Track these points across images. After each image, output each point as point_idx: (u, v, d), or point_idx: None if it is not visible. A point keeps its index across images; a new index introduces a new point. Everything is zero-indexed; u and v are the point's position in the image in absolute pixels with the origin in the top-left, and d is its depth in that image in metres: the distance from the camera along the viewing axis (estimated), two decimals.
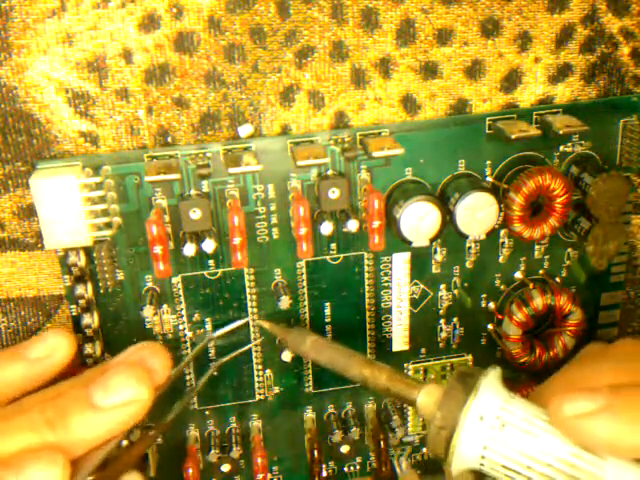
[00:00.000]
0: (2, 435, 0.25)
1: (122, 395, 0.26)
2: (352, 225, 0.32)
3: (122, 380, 0.26)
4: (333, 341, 0.32)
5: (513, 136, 0.32)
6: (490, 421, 0.26)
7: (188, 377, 0.36)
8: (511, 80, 0.34)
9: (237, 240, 0.31)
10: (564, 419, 0.26)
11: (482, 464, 0.26)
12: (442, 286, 0.37)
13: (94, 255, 0.32)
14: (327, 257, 0.35)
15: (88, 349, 0.33)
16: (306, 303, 0.36)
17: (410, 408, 0.39)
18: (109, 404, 0.26)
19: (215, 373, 0.36)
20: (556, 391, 0.28)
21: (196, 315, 0.35)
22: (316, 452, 0.37)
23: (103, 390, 0.26)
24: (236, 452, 0.36)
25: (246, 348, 0.36)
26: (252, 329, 0.36)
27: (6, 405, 0.27)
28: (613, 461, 0.25)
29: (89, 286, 0.33)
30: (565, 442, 0.26)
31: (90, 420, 0.26)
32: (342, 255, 0.35)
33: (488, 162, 0.35)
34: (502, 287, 0.37)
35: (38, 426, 0.25)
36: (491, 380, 0.27)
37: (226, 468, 0.36)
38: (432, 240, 0.33)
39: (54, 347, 0.28)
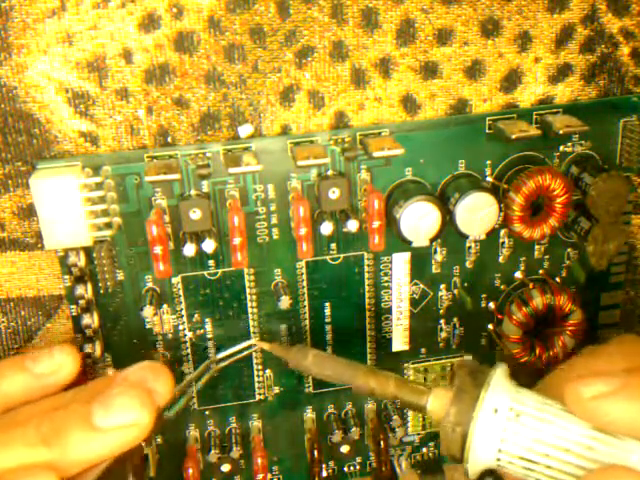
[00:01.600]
0: None
1: (123, 418, 0.25)
2: (352, 225, 0.32)
3: (125, 402, 0.25)
4: (334, 355, 0.31)
5: (513, 136, 0.32)
6: (504, 413, 0.26)
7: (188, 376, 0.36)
8: (511, 80, 0.34)
9: (237, 240, 0.31)
10: (581, 401, 0.26)
11: (499, 459, 0.26)
12: (442, 286, 0.37)
13: (94, 255, 0.32)
14: (327, 257, 0.35)
15: (88, 349, 0.33)
16: (306, 303, 0.36)
17: None
18: (109, 425, 0.25)
19: (215, 374, 0.36)
20: (565, 380, 0.28)
21: (196, 315, 0.35)
22: (316, 452, 0.37)
23: (104, 410, 0.25)
24: (236, 452, 0.36)
25: (245, 345, 0.35)
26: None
27: (2, 414, 0.27)
28: (631, 442, 0.25)
29: (89, 286, 0.33)
30: (581, 425, 0.26)
31: (88, 440, 0.25)
32: (342, 255, 0.35)
33: (488, 162, 0.35)
34: (502, 287, 0.37)
35: (34, 442, 0.24)
36: (500, 374, 0.27)
37: (226, 468, 0.36)
38: (432, 240, 0.33)
39: (60, 364, 0.27)
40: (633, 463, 0.25)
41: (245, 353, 0.35)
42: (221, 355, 0.34)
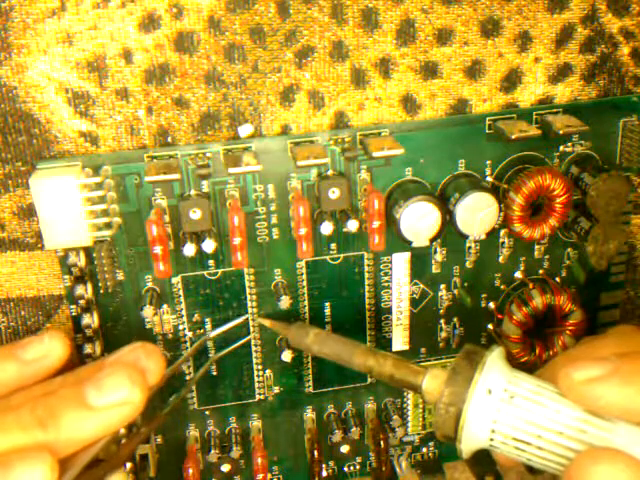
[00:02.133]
0: None
1: (116, 396, 0.26)
2: (352, 225, 0.32)
3: (117, 381, 0.26)
4: (335, 333, 0.32)
5: (513, 136, 0.32)
6: (498, 394, 0.26)
7: (188, 377, 0.36)
8: (511, 80, 0.34)
9: (237, 240, 0.31)
10: (574, 385, 0.26)
11: (492, 439, 0.27)
12: (442, 286, 0.37)
13: (94, 255, 0.32)
14: (327, 257, 0.35)
15: (88, 349, 0.33)
16: (306, 303, 0.36)
17: (410, 408, 0.39)
18: (102, 404, 0.26)
19: (213, 369, 0.36)
20: (560, 365, 0.28)
21: (196, 315, 0.35)
22: (316, 452, 0.37)
23: (97, 390, 0.26)
24: (236, 452, 0.36)
25: (244, 341, 0.35)
26: (252, 328, 0.36)
27: None
28: (623, 425, 0.25)
29: (89, 286, 0.33)
30: (574, 409, 0.26)
31: (82, 419, 0.25)
32: (342, 255, 0.35)
33: (488, 162, 0.35)
34: (502, 287, 0.37)
35: (28, 425, 0.25)
36: (496, 356, 0.27)
37: (226, 468, 0.36)
38: (432, 240, 0.33)
39: (49, 349, 0.28)
40: (618, 445, 0.25)
41: (243, 341, 0.35)
42: (216, 332, 0.34)
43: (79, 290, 0.33)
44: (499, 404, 0.26)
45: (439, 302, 0.37)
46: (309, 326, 0.32)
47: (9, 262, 0.34)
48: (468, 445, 0.27)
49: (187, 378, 0.36)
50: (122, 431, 0.32)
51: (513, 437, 0.26)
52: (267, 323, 0.34)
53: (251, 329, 0.36)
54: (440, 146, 0.34)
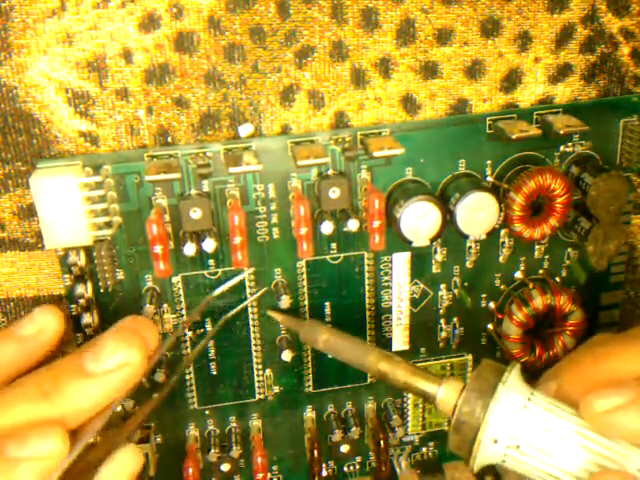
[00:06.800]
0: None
1: (113, 359, 0.26)
2: (352, 225, 0.32)
3: (112, 345, 0.27)
4: (347, 335, 0.31)
5: (513, 136, 0.32)
6: (516, 411, 0.26)
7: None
8: (511, 80, 0.34)
9: (237, 240, 0.31)
10: (596, 416, 0.26)
11: (506, 454, 0.27)
12: (442, 286, 0.37)
13: (94, 255, 0.32)
14: (327, 257, 0.35)
15: None
16: (306, 303, 0.36)
17: (410, 408, 0.39)
18: (101, 369, 0.26)
19: (213, 368, 0.36)
20: (572, 382, 0.28)
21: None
22: (316, 452, 0.37)
23: (94, 357, 0.26)
24: (236, 452, 0.36)
25: (245, 304, 0.35)
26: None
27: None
28: (637, 450, 0.26)
29: (89, 286, 0.33)
30: (590, 432, 0.26)
31: (84, 388, 0.26)
32: (342, 255, 0.35)
33: (488, 162, 0.35)
34: (502, 287, 0.37)
35: (34, 398, 0.26)
36: (515, 374, 0.27)
37: (226, 468, 0.37)
38: (432, 240, 0.33)
39: (43, 324, 0.28)
40: (631, 470, 0.25)
41: (245, 304, 0.35)
42: (217, 292, 0.34)
43: (79, 290, 0.33)
44: (516, 422, 0.26)
45: (439, 302, 0.37)
46: (322, 325, 0.32)
47: (9, 262, 0.34)
48: (480, 462, 0.27)
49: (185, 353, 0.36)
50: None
51: (528, 455, 0.26)
52: (279, 318, 0.34)
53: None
54: (440, 146, 0.34)
